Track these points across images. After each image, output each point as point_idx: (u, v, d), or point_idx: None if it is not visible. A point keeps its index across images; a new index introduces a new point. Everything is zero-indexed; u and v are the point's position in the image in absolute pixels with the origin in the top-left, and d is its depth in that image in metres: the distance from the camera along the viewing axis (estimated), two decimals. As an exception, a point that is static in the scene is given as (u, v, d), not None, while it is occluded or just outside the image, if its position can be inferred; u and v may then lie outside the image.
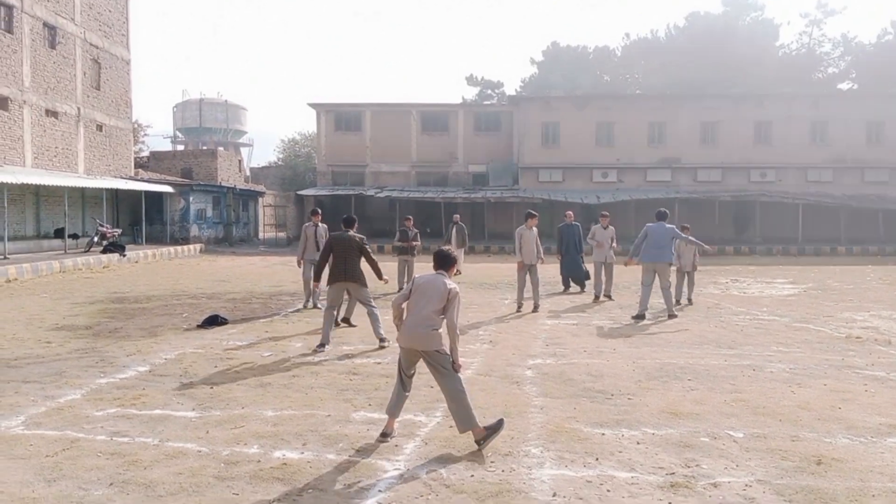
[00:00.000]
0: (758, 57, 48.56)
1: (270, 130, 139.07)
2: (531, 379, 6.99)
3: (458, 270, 17.31)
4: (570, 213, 15.72)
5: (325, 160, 40.78)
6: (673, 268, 12.12)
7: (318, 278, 9.16)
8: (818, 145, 36.89)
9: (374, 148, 40.29)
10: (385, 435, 4.98)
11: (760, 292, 15.47)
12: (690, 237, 11.87)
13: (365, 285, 8.53)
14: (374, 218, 39.73)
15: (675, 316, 11.15)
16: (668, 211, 11.67)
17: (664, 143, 37.23)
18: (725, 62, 48.27)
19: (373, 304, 8.60)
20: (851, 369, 7.51)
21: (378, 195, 36.08)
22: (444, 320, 4.91)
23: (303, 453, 4.69)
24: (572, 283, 15.42)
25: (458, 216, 19.42)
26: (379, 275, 8.58)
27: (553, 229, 34.02)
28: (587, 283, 15.36)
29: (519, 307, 11.95)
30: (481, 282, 17.43)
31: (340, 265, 8.42)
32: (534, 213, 12.81)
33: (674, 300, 11.55)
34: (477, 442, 4.79)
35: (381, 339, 8.44)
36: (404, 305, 5.03)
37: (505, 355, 8.12)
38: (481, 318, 11.11)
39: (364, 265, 8.68)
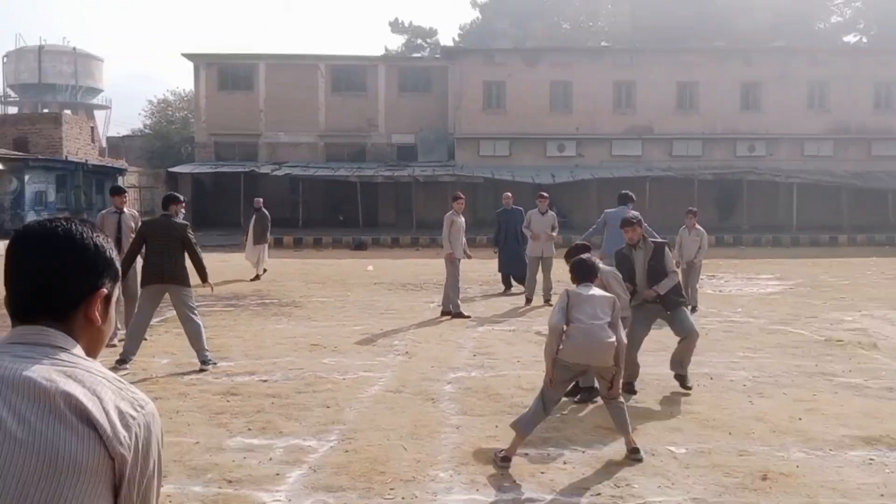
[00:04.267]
0: (746, 4, 50.40)
1: (135, 88, 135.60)
2: (450, 395, 7.39)
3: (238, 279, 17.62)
4: (509, 194, 16.25)
5: (206, 128, 40.34)
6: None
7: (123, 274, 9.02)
8: (817, 112, 38.80)
9: (271, 113, 40.09)
10: (506, 460, 5.42)
11: (739, 290, 16.37)
12: (648, 228, 12.36)
13: (188, 286, 8.37)
14: (271, 203, 39.48)
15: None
16: (631, 193, 12.22)
17: (633, 108, 38.41)
18: (707, 10, 49.96)
19: (196, 314, 8.42)
20: (824, 376, 8.21)
21: (275, 173, 35.98)
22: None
23: (162, 487, 4.94)
24: (514, 282, 15.92)
25: (260, 201, 18.94)
26: (203, 276, 8.48)
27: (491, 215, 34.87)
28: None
29: (447, 313, 12.35)
30: (404, 282, 17.80)
31: (156, 261, 8.21)
32: (460, 195, 13.23)
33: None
34: (632, 450, 5.54)
35: (205, 361, 8.34)
36: (564, 326, 5.63)
37: (422, 368, 8.50)
38: (399, 325, 11.47)
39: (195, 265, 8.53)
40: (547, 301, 13.94)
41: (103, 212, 10.49)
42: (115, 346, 9.46)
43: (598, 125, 38.04)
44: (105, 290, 1.54)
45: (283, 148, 40.26)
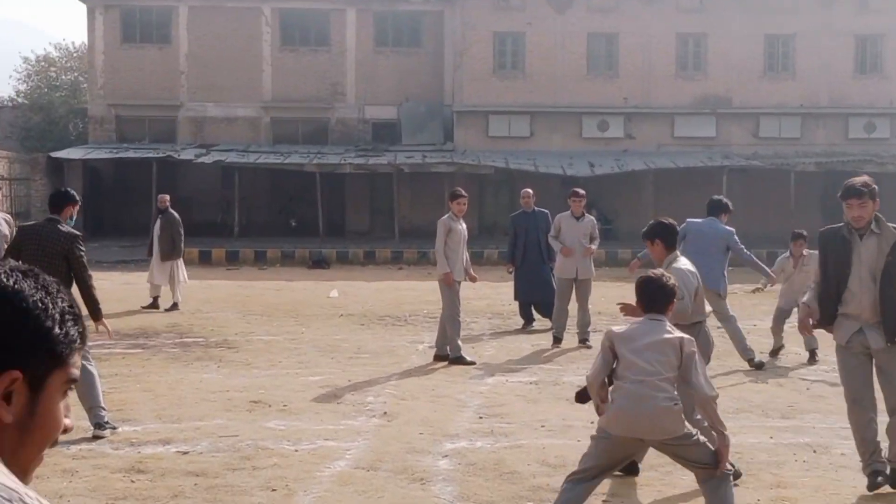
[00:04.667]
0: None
1: (3, 40, 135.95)
2: (446, 473, 7.41)
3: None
4: (530, 191, 16.31)
5: (103, 96, 40.40)
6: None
7: None
8: (960, 77, 39.04)
9: (196, 75, 40.19)
10: None
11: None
12: (748, 254, 12.42)
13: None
14: (196, 202, 39.57)
15: (761, 365, 12.06)
16: (727, 201, 12.42)
17: (704, 71, 38.62)
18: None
19: (89, 359, 8.40)
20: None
21: (201, 160, 36.01)
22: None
23: None
24: (536, 314, 15.95)
25: (166, 198, 18.97)
26: (94, 312, 8.39)
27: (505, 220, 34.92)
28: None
29: (442, 357, 12.38)
30: (382, 313, 17.81)
31: None
32: (461, 192, 13.26)
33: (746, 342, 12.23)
34: None
35: (100, 425, 8.37)
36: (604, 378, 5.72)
37: (407, 436, 8.51)
38: (375, 375, 11.49)
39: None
40: (583, 342, 13.95)
41: None
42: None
43: (654, 94, 38.29)
44: (16, 374, 1.52)
45: (212, 124, 40.33)
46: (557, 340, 14.01)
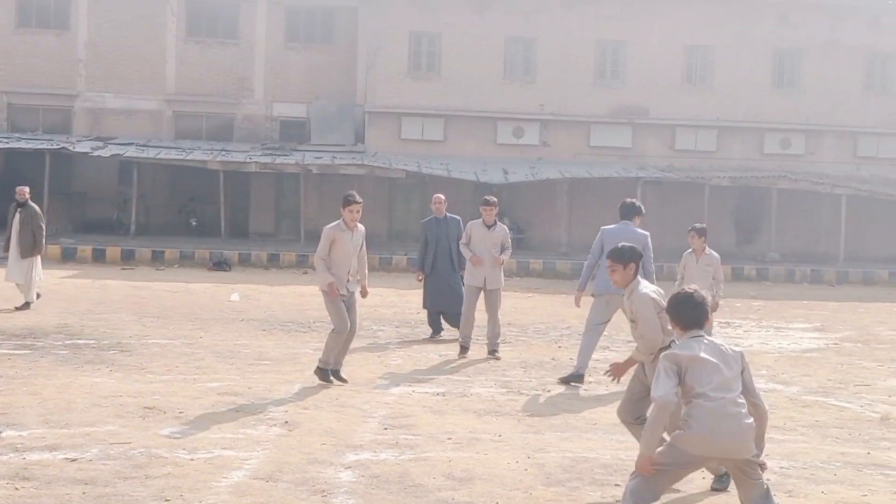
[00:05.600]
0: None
1: None
2: (349, 486, 7.39)
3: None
4: (442, 197, 16.31)
5: (-5, 83, 39.52)
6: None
7: None
8: (877, 92, 40.14)
9: (94, 63, 39.51)
10: None
11: (764, 344, 16.75)
12: (651, 266, 12.47)
13: None
14: (89, 197, 38.87)
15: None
16: (639, 204, 12.61)
17: (622, 79, 39.09)
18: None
19: None
20: (879, 469, 8.47)
21: (98, 153, 35.38)
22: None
23: None
24: (445, 323, 16.01)
25: (26, 190, 18.37)
26: None
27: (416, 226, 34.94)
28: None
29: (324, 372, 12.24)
30: (285, 318, 17.75)
31: None
32: (354, 198, 13.02)
33: None
34: None
35: None
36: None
37: (308, 446, 8.48)
38: (276, 382, 11.44)
39: None
40: (492, 353, 14.03)
41: None
42: None
43: (571, 102, 38.61)
44: None
45: (110, 116, 39.67)
46: (464, 350, 14.11)
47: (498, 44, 38.44)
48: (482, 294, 14.19)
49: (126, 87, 39.59)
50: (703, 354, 5.78)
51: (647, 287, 7.67)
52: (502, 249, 14.20)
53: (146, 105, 39.94)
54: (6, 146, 36.05)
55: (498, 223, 14.36)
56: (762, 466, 5.88)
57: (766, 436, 6.08)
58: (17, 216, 17.91)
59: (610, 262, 7.71)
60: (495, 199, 14.58)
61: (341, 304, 11.63)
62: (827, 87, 39.35)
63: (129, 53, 39.44)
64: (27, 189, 18.56)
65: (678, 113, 38.93)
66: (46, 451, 8.01)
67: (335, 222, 11.78)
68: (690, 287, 6.19)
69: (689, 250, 13.59)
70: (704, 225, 14.03)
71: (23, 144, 36.06)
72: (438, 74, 38.45)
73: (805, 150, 39.74)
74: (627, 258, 7.64)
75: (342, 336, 11.64)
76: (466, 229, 14.50)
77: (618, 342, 15.37)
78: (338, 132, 39.46)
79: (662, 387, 5.72)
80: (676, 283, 13.45)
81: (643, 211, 12.58)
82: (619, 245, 7.88)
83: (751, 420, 5.73)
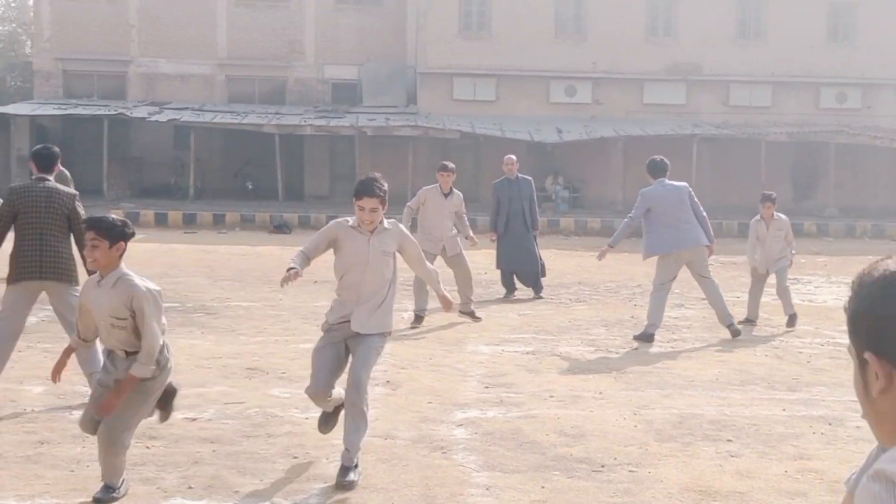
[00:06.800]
0: None
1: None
2: (465, 443, 7.55)
3: None
4: (513, 157, 16.36)
5: (50, 50, 39.83)
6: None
7: None
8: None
9: (147, 29, 39.75)
10: None
11: (838, 300, 16.69)
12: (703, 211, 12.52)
13: (76, 283, 8.40)
14: (146, 162, 39.23)
15: (738, 331, 12.34)
16: (665, 160, 12.52)
17: (674, 36, 38.88)
18: None
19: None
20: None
21: (154, 118, 35.71)
22: None
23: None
24: (518, 283, 16.14)
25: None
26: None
27: (480, 188, 34.98)
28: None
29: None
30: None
31: (32, 247, 8.35)
32: (447, 165, 13.32)
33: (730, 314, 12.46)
34: None
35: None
36: None
37: (416, 404, 8.64)
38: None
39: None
40: (468, 314, 13.56)
41: None
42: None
43: (624, 60, 38.44)
44: None
45: (164, 82, 39.98)
46: (419, 319, 13.32)
47: (548, 1, 38.30)
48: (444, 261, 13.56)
49: (178, 52, 39.84)
50: None
51: None
52: (458, 217, 13.89)
53: (199, 69, 40.18)
54: (65, 112, 36.42)
55: (454, 190, 13.89)
56: None
57: None
58: None
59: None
60: (454, 166, 14.23)
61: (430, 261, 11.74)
62: (882, 40, 38.81)
63: (180, 18, 39.68)
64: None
65: (732, 69, 38.66)
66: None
67: (433, 185, 12.41)
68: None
69: (757, 218, 13.65)
70: (774, 193, 14.10)
71: (81, 111, 36.43)
72: (489, 34, 38.37)
73: (861, 104, 39.40)
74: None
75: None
76: (419, 196, 13.90)
77: (691, 300, 15.41)
78: (389, 94, 39.53)
79: None
80: (749, 250, 13.76)
81: (668, 166, 12.41)
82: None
83: None
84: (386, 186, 7.06)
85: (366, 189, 6.98)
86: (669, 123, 36.96)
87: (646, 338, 11.99)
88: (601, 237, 30.08)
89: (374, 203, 6.97)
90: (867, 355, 1.75)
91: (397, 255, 7.25)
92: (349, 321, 6.92)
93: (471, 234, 14.39)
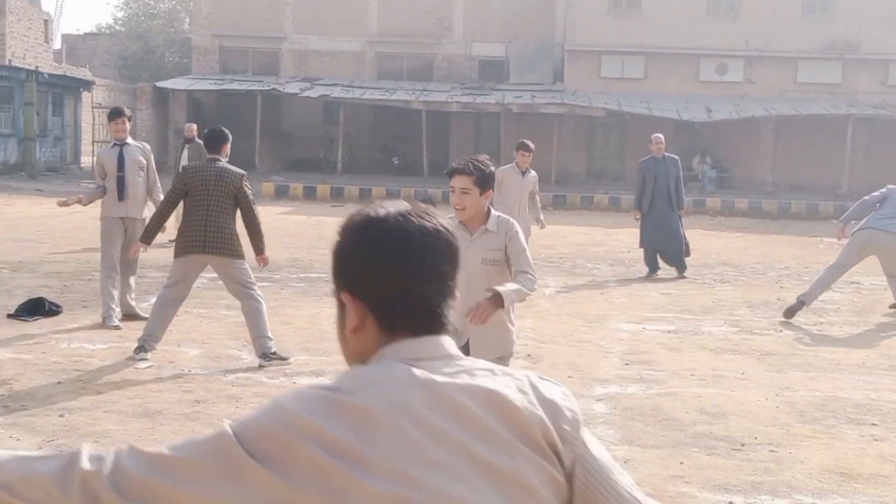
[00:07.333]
0: None
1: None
2: (605, 417, 7.62)
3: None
4: (661, 136, 16.25)
5: (207, 27, 41.00)
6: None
7: (147, 238, 9.55)
8: None
9: (300, 7, 40.54)
10: None
11: None
12: None
13: (241, 257, 9.09)
14: (297, 136, 40.09)
15: None
16: None
17: (830, 13, 37.91)
18: None
19: (255, 289, 9.12)
20: None
21: (306, 94, 36.46)
22: None
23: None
24: (662, 261, 16.06)
25: (194, 127, 18.49)
26: (260, 246, 9.30)
27: (626, 167, 34.80)
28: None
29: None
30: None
31: (198, 223, 8.87)
32: (525, 144, 13.24)
33: None
34: None
35: (267, 354, 8.82)
36: None
37: (556, 377, 8.66)
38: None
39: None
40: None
41: (100, 151, 11.37)
42: (118, 327, 10.13)
43: (777, 38, 37.72)
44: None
45: (316, 58, 40.78)
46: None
47: (701, -21, 37.87)
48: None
49: (330, 30, 40.56)
50: None
51: None
52: (530, 196, 13.76)
53: (349, 46, 40.82)
54: (221, 87, 37.49)
55: (530, 169, 13.74)
56: None
57: None
58: (186, 152, 18.47)
59: None
60: (533, 146, 13.99)
61: None
62: None
63: (332, -4, 40.38)
64: (195, 126, 19.05)
65: (892, 47, 37.48)
66: (313, 377, 8.48)
67: (509, 165, 12.79)
68: None
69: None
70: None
71: (235, 86, 37.45)
72: (639, 11, 38.08)
73: None
74: None
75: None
76: (497, 175, 13.81)
77: (840, 283, 15.04)
78: (536, 71, 39.56)
79: None
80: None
81: None
82: None
83: None
84: (488, 168, 5.81)
85: (457, 166, 5.87)
86: (823, 103, 36.06)
87: (794, 308, 12.02)
88: (748, 218, 29.75)
89: (465, 182, 5.70)
90: (344, 296, 1.81)
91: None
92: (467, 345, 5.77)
93: (541, 216, 14.34)
